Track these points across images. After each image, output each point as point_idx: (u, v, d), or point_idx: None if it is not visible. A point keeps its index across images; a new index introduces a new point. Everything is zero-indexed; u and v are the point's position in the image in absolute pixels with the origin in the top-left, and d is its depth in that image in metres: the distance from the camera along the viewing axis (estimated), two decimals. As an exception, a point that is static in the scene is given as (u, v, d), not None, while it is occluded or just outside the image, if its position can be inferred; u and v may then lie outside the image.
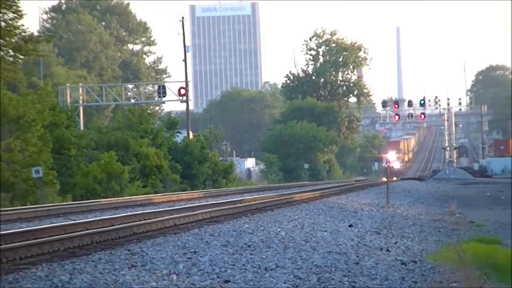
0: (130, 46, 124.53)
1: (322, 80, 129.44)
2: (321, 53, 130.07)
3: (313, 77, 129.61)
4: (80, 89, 73.59)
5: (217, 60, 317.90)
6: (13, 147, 38.13)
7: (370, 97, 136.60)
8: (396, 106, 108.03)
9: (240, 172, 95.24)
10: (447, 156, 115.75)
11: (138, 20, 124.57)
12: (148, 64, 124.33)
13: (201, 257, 14.88)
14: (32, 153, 38.85)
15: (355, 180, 77.30)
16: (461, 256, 14.65)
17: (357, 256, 16.90)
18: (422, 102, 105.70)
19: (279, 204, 30.51)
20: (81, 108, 71.62)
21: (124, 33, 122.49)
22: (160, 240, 16.94)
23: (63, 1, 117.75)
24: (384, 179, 61.48)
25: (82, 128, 66.43)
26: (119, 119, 60.47)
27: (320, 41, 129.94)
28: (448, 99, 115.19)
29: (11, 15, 44.57)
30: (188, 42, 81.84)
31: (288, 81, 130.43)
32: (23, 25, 45.20)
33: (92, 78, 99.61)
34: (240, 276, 13.36)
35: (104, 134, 55.10)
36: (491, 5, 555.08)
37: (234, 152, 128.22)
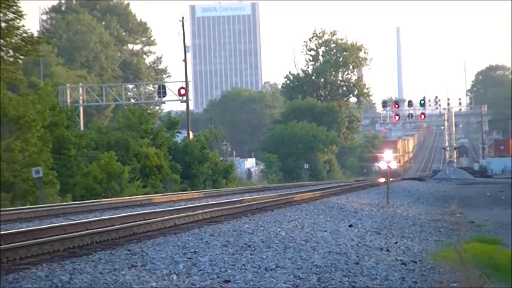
0: (130, 46, 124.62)
1: (322, 80, 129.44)
2: (320, 53, 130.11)
3: (313, 77, 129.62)
4: (80, 89, 73.61)
5: (217, 60, 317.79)
6: (13, 147, 38.12)
7: (370, 97, 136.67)
8: (396, 106, 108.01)
9: (240, 172, 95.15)
10: (447, 156, 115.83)
11: (138, 20, 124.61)
12: (148, 64, 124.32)
13: (201, 257, 14.88)
14: (32, 153, 38.84)
15: (355, 181, 77.27)
16: (462, 256, 14.63)
17: (357, 256, 16.90)
18: (422, 102, 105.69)
19: (279, 204, 30.51)
20: (81, 108, 71.66)
21: (124, 33, 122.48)
22: (161, 240, 16.94)
23: (63, 1, 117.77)
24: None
25: (82, 128, 66.43)
26: (119, 119, 60.46)
27: (320, 41, 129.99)
28: (448, 99, 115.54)
29: (11, 15, 44.59)
30: (188, 42, 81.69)
31: (288, 82, 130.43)
32: (23, 26, 45.27)
33: (92, 78, 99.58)
34: (240, 276, 13.35)
35: (104, 134, 55.09)
36: (491, 5, 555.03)
37: (234, 152, 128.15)
